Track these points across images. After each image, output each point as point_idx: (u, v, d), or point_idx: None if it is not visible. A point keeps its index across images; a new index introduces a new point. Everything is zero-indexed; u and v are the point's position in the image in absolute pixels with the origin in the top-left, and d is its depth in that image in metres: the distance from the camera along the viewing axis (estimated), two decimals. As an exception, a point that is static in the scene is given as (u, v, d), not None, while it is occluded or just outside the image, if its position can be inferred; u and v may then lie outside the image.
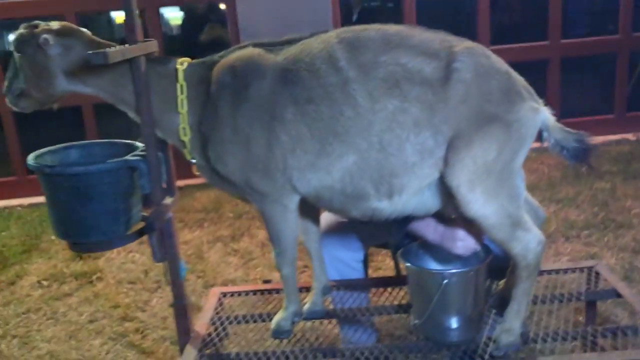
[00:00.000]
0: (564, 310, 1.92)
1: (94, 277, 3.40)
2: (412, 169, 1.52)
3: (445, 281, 1.60)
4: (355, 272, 2.12)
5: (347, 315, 1.95)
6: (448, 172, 1.50)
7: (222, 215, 4.19)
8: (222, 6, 6.32)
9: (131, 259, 3.63)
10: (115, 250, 3.74)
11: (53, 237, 3.99)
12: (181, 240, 3.83)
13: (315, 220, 1.88)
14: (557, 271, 2.11)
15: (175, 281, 1.84)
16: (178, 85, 1.64)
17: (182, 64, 1.65)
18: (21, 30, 1.61)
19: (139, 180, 1.66)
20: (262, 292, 2.16)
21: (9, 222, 4.33)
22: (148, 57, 1.64)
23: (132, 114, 1.71)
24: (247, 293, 2.18)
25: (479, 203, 1.50)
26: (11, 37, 1.64)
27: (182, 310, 1.87)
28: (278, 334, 1.83)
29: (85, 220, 1.65)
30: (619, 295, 1.92)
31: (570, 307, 1.93)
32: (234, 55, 1.62)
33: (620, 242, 3.22)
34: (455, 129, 1.49)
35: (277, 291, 2.13)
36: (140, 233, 1.76)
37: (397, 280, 2.16)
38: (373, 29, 1.56)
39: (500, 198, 1.51)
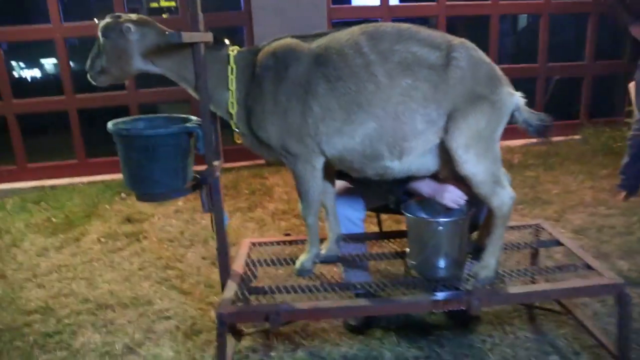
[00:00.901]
0: (517, 256, 1.86)
1: (140, 236, 3.23)
2: (419, 135, 1.44)
3: (440, 227, 1.52)
4: (357, 228, 2.02)
5: (355, 260, 1.86)
6: (448, 137, 1.42)
7: (240, 192, 4.05)
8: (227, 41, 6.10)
9: (169, 223, 3.46)
10: (156, 217, 3.59)
11: (107, 206, 3.82)
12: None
13: (332, 182, 1.79)
14: (512, 227, 2.05)
15: (220, 229, 1.72)
16: (229, 68, 1.53)
17: (233, 50, 1.55)
18: (108, 19, 1.50)
19: (195, 144, 1.55)
20: (284, 242, 2.06)
21: (73, 194, 4.11)
22: (206, 44, 1.53)
23: (190, 90, 1.60)
24: (272, 243, 2.08)
25: (471, 162, 1.43)
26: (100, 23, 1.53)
27: (224, 252, 1.75)
28: (302, 272, 1.73)
29: (152, 175, 1.53)
30: (559, 244, 1.88)
31: (521, 254, 1.87)
32: (275, 44, 1.52)
33: (545, 214, 3.20)
34: (453, 104, 1.42)
35: (297, 242, 2.03)
36: (194, 187, 1.64)
37: (388, 234, 2.08)
38: (389, 25, 1.47)
39: (487, 160, 1.44)
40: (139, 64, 1.53)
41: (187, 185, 1.63)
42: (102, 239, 3.19)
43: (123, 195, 4.06)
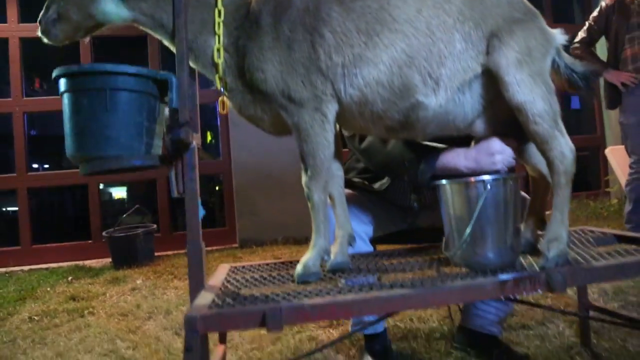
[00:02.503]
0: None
1: (86, 311, 2.60)
2: (458, 57, 1.16)
3: (488, 188, 1.16)
4: (364, 243, 1.60)
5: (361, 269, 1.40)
6: (495, 56, 1.16)
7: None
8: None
9: (124, 300, 2.85)
10: (107, 293, 2.97)
11: (49, 289, 3.16)
12: (171, 286, 3.11)
13: (339, 162, 1.41)
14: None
15: (192, 220, 1.27)
16: (216, 10, 1.26)
17: None
18: None
19: (169, 94, 1.20)
20: (274, 264, 1.58)
21: (9, 282, 3.44)
22: (187, -13, 1.28)
23: (166, 41, 1.29)
24: (259, 267, 1.59)
25: (527, 85, 1.13)
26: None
27: (196, 255, 1.27)
28: (305, 276, 1.23)
29: (107, 130, 1.14)
30: (622, 239, 1.50)
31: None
32: None
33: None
34: (493, 26, 1.18)
35: (291, 264, 1.56)
36: (162, 159, 1.24)
37: (403, 252, 1.65)
38: None
39: (543, 87, 1.16)
40: (108, 6, 1.24)
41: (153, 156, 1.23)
42: (36, 317, 2.54)
43: (70, 278, 3.44)
